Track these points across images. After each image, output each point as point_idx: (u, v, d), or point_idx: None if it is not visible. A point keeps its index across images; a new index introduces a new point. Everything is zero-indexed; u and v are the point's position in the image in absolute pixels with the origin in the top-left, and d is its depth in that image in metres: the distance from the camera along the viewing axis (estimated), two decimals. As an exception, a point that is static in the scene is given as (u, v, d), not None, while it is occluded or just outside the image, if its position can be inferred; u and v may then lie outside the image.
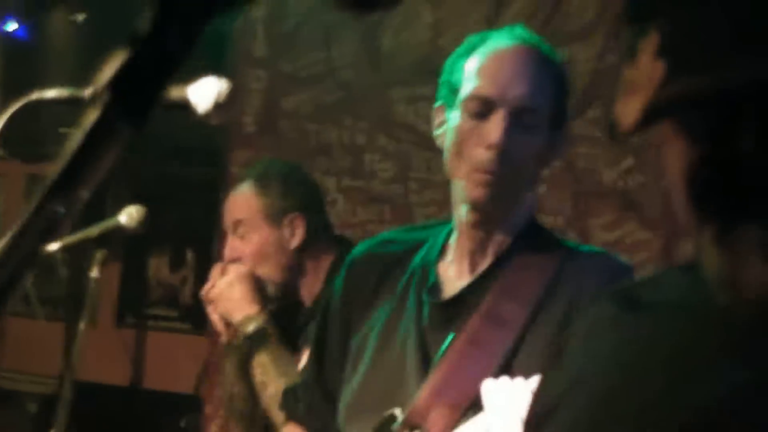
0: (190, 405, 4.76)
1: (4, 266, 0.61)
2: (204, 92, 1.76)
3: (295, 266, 2.91)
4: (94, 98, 0.59)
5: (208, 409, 4.54)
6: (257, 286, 2.87)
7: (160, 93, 0.61)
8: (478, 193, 1.95)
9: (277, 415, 2.57)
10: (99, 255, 3.00)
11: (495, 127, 1.93)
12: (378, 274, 2.11)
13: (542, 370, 1.06)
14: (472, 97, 1.96)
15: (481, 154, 1.94)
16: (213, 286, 2.90)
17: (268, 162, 3.28)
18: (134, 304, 5.17)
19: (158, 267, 5.13)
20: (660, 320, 0.90)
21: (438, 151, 3.98)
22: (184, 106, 1.73)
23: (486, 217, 2.00)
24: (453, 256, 2.04)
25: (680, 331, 0.86)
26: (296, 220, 2.91)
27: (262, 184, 2.92)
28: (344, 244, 3.01)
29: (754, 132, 0.70)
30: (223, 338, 2.92)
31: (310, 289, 2.91)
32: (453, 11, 4.03)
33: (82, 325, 3.03)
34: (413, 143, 4.16)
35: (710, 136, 0.72)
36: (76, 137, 0.59)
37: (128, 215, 2.99)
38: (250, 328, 2.79)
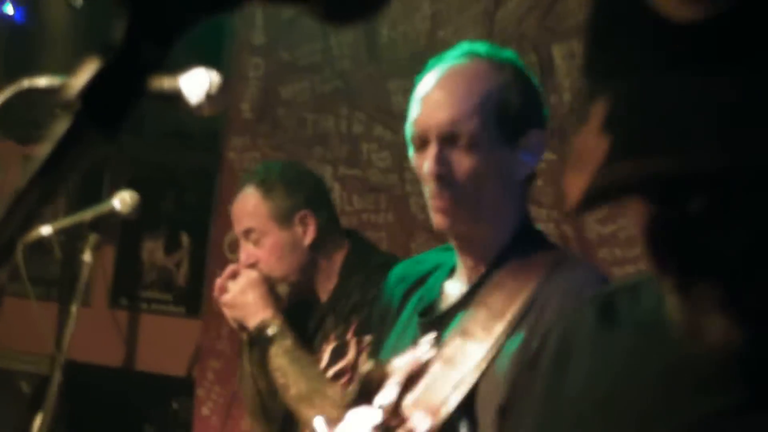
0: (182, 388, 4.77)
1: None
2: (196, 83, 1.76)
3: (309, 263, 2.89)
4: (65, 106, 0.59)
5: (199, 392, 4.55)
6: (269, 289, 2.86)
7: (133, 103, 0.61)
8: (438, 220, 1.98)
9: (304, 414, 2.60)
10: (92, 239, 3.01)
11: (427, 157, 1.96)
12: (403, 292, 2.15)
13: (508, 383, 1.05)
14: (410, 133, 2.01)
15: (429, 184, 1.97)
16: (225, 291, 2.88)
17: (266, 164, 3.25)
18: (128, 287, 5.18)
19: (153, 250, 5.13)
20: (636, 342, 0.90)
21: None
22: (176, 97, 1.73)
23: (464, 241, 2.01)
24: (457, 276, 2.05)
25: (656, 356, 0.86)
26: (307, 218, 2.89)
27: (266, 187, 2.89)
28: (354, 238, 3.01)
29: (703, 197, 0.70)
30: (242, 337, 2.91)
31: (324, 284, 2.89)
32: (452, 4, 4.03)
33: (74, 308, 3.04)
34: (410, 134, 4.16)
35: (661, 200, 0.72)
36: (46, 145, 0.59)
37: (121, 200, 3.00)
38: (267, 332, 2.77)
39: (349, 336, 2.73)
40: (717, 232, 0.71)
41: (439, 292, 2.05)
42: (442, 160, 1.95)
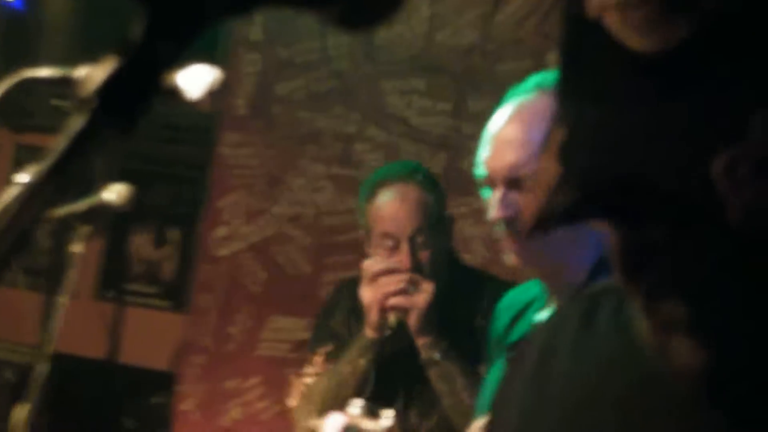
0: (164, 382, 4.77)
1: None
2: (196, 79, 1.76)
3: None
4: (82, 103, 0.59)
5: (181, 387, 4.55)
6: None
7: (150, 101, 0.61)
8: (511, 258, 1.98)
9: None
10: (83, 230, 2.99)
11: (493, 201, 1.97)
12: (508, 321, 2.14)
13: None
14: (480, 173, 2.00)
15: (496, 226, 1.98)
16: (398, 292, 2.68)
17: (413, 164, 3.03)
18: (115, 279, 5.17)
19: (141, 243, 5.12)
20: (612, 350, 0.90)
21: (427, 144, 4.04)
22: (174, 93, 1.73)
23: (541, 277, 2.01)
24: (548, 306, 2.04)
25: (630, 367, 0.86)
26: (452, 227, 2.81)
27: (429, 188, 2.73)
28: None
29: (664, 223, 0.70)
30: (370, 335, 2.75)
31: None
32: (450, 7, 4.04)
33: (61, 299, 3.03)
34: (403, 135, 4.17)
35: (624, 224, 0.73)
36: (61, 141, 0.59)
37: (115, 193, 2.99)
38: (441, 346, 2.66)
39: None
40: (679, 256, 0.71)
41: (532, 322, 2.04)
42: (507, 204, 1.94)
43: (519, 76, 4.20)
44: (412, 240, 2.70)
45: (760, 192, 0.65)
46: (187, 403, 4.50)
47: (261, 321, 4.40)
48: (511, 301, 2.18)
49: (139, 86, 0.60)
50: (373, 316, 2.71)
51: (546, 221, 0.70)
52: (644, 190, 0.66)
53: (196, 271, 4.58)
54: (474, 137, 4.07)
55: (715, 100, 0.65)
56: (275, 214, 4.39)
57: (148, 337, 5.03)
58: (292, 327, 4.33)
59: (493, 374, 2.06)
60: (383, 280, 2.69)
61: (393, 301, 2.68)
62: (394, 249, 2.72)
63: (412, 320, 2.67)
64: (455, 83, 4.07)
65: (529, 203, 1.93)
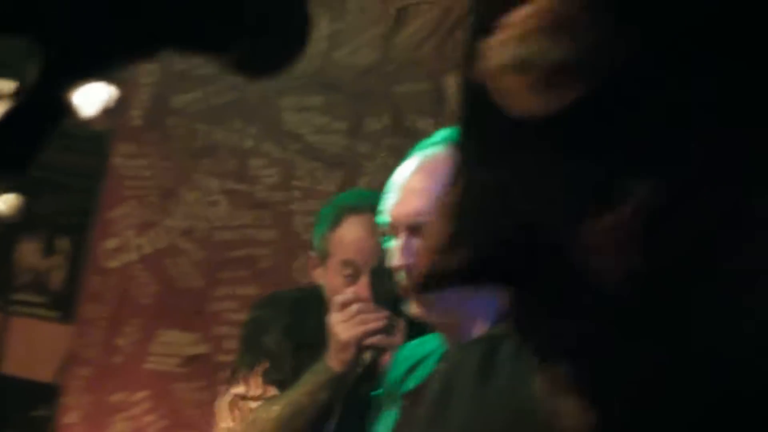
0: (49, 394, 4.68)
1: None
2: (91, 97, 1.73)
3: None
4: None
5: (65, 399, 4.47)
6: None
7: (44, 143, 0.60)
8: (414, 309, 1.98)
9: None
10: (-31, 240, 2.94)
11: (395, 249, 1.98)
12: (404, 372, 2.12)
13: None
14: (384, 221, 2.02)
15: (398, 274, 1.99)
16: (378, 331, 2.60)
17: (369, 192, 2.98)
18: (0, 288, 5.06)
19: (29, 251, 5.03)
20: (508, 398, 0.90)
21: (323, 162, 4.02)
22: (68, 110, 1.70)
23: (442, 328, 1.99)
24: None
25: (524, 417, 0.87)
26: None
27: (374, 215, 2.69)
28: None
29: (551, 287, 0.72)
30: (337, 369, 2.64)
31: None
32: (350, 26, 4.05)
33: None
34: (299, 152, 4.17)
35: (513, 287, 0.74)
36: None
37: (4, 202, 2.94)
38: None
39: None
40: (564, 319, 0.72)
41: (429, 374, 2.02)
42: (409, 252, 1.96)
43: (416, 98, 4.25)
44: (374, 272, 2.64)
45: (640, 256, 0.66)
46: (72, 416, 4.43)
47: (150, 334, 4.35)
48: (408, 352, 2.18)
49: (33, 128, 0.59)
50: (350, 353, 2.62)
51: (435, 281, 0.71)
52: (532, 253, 0.67)
53: (85, 281, 4.51)
54: (369, 157, 4.12)
55: (601, 164, 0.66)
56: (168, 227, 4.34)
57: (35, 348, 4.93)
58: (182, 341, 4.30)
59: (383, 424, 2.05)
60: (361, 318, 2.62)
61: (374, 339, 2.61)
62: (353, 278, 2.71)
63: (386, 358, 2.60)
64: (352, 102, 4.08)
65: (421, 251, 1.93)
